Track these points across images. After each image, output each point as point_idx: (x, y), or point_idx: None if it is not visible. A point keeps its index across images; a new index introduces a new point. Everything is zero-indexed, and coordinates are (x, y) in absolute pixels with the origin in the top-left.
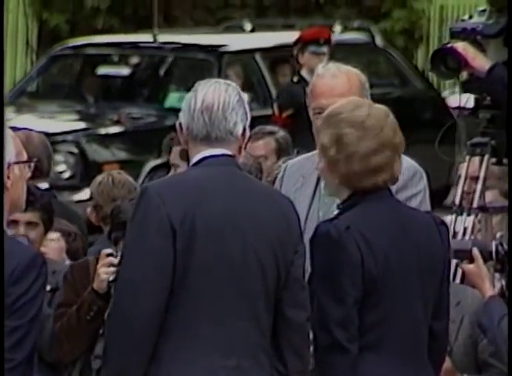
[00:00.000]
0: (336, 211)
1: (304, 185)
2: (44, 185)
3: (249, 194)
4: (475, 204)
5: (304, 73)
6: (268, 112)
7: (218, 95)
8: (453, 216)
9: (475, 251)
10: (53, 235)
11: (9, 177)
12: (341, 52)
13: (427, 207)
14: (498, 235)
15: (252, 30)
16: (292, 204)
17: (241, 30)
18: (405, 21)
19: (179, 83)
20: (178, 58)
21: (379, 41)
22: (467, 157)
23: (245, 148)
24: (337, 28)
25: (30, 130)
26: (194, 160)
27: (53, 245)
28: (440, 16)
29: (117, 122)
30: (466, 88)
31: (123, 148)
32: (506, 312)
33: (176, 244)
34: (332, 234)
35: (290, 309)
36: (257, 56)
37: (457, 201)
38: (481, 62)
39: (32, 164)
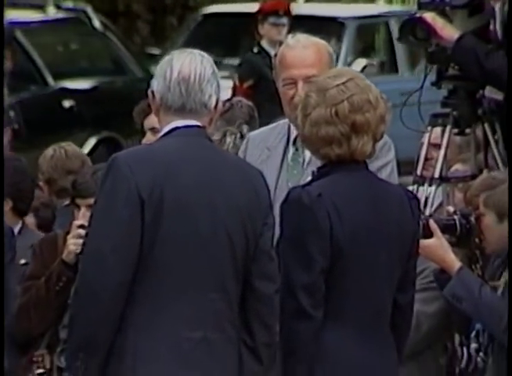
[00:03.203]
0: (309, 178)
1: (270, 157)
2: None
3: (218, 165)
4: (436, 174)
5: (264, 44)
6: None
7: (194, 67)
8: (415, 186)
9: (432, 224)
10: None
11: None
12: (55, 33)
13: (395, 177)
14: (456, 208)
15: None
16: (262, 176)
17: None
18: None
19: None
20: None
21: (97, 23)
22: (429, 128)
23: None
24: (50, 9)
25: None
26: (164, 130)
27: (29, 220)
28: None
29: None
30: (432, 58)
31: None
32: (481, 282)
33: (144, 215)
34: (303, 200)
35: (258, 281)
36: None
37: (419, 172)
38: (449, 32)
39: None
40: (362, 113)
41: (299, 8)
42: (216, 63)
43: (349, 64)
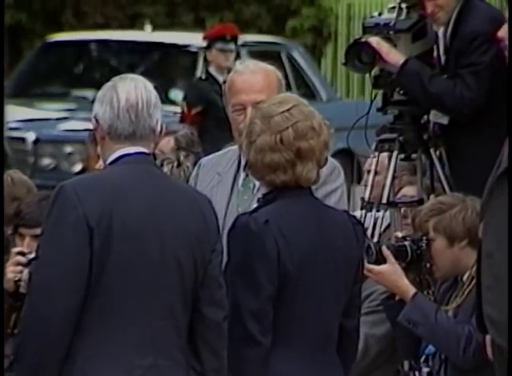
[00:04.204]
0: (255, 205)
1: (220, 182)
2: None
3: (167, 192)
4: (384, 200)
5: (211, 70)
6: None
7: (140, 93)
8: (363, 212)
9: (385, 250)
10: None
11: None
12: None
13: (344, 202)
14: (402, 234)
15: None
16: (210, 202)
17: None
18: (314, 19)
19: None
20: None
21: None
22: (376, 153)
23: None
24: None
25: None
26: (111, 158)
27: None
28: (348, 14)
29: None
30: (377, 83)
31: None
32: (436, 306)
33: (93, 243)
34: (250, 227)
35: (206, 308)
36: None
37: (366, 197)
38: (394, 56)
39: None
40: (306, 140)
41: (148, 36)
42: (63, 94)
43: None
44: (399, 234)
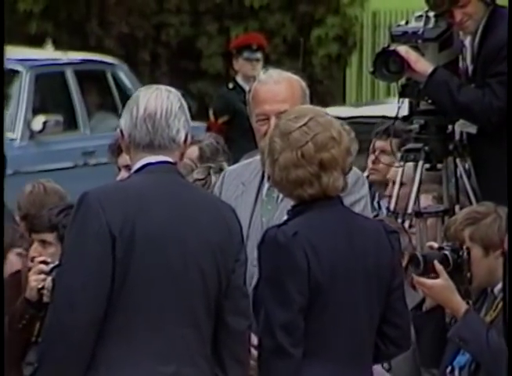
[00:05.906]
0: (285, 217)
1: (245, 192)
2: None
3: (190, 202)
4: (410, 210)
5: (238, 79)
6: None
7: (160, 103)
8: None
9: (438, 265)
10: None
11: None
12: None
13: (368, 212)
14: (440, 243)
15: None
16: (234, 212)
17: None
18: (339, 28)
19: None
20: None
21: None
22: (401, 163)
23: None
24: None
25: None
26: (135, 167)
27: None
28: (373, 23)
29: None
30: (403, 92)
31: None
32: (488, 325)
33: (115, 252)
34: (279, 240)
35: (230, 317)
36: None
37: (392, 207)
38: (423, 66)
39: None
40: (327, 150)
41: None
42: None
43: (29, 122)
44: (435, 244)
